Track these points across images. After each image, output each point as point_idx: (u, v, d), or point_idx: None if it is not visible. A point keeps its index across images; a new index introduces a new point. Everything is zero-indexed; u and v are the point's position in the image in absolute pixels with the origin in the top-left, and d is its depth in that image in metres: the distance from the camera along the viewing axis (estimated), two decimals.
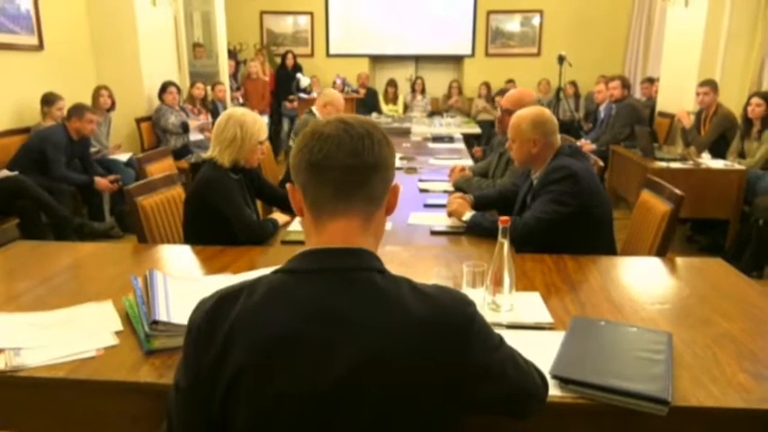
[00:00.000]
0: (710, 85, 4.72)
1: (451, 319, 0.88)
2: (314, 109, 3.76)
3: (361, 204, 0.93)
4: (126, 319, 1.43)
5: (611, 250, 2.19)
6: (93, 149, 4.72)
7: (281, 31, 9.24)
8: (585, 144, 5.66)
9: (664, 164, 4.17)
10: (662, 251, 2.14)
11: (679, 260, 1.96)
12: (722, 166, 4.20)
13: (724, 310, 1.52)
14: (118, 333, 1.37)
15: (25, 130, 4.45)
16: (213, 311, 0.89)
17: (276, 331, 0.85)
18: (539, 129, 2.19)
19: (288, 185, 0.98)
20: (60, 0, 4.98)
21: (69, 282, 1.73)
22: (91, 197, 4.48)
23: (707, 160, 4.35)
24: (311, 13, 9.11)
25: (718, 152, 4.56)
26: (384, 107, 8.49)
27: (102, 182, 4.33)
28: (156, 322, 1.29)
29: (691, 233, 4.61)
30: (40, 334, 1.35)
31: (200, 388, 0.88)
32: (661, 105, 6.15)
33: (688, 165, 4.21)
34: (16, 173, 3.72)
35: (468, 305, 0.91)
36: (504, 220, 1.47)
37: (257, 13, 9.07)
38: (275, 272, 0.92)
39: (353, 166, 0.90)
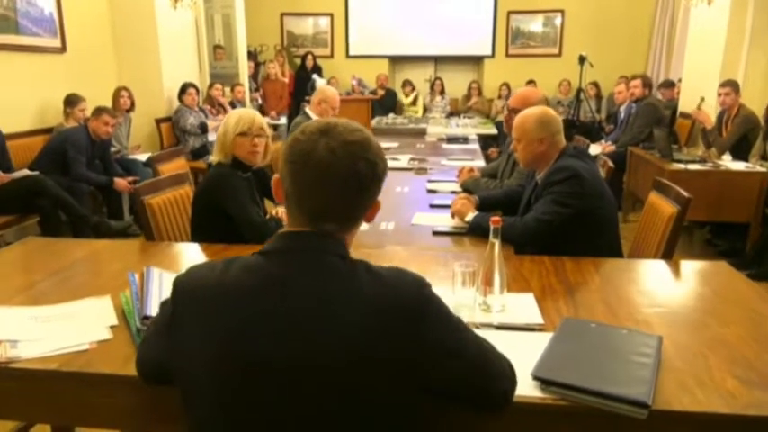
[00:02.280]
0: (732, 85, 4.62)
1: (405, 298, 0.91)
2: (307, 110, 3.69)
3: (335, 225, 0.98)
4: (122, 314, 1.46)
5: (616, 252, 2.16)
6: (112, 149, 4.82)
7: (302, 33, 9.32)
8: (606, 146, 5.59)
9: (681, 165, 4.09)
10: (668, 254, 2.10)
11: (683, 263, 1.92)
12: (743, 168, 4.11)
13: (723, 314, 1.49)
14: (112, 328, 1.40)
15: (47, 131, 4.57)
16: (194, 278, 0.97)
17: (243, 304, 0.91)
18: (545, 127, 2.18)
19: (275, 177, 1.02)
20: (83, 3, 5.10)
21: (74, 277, 1.77)
22: (110, 197, 4.57)
23: (727, 162, 4.26)
24: (331, 15, 9.17)
25: (740, 154, 4.46)
26: (407, 109, 8.53)
27: (121, 182, 4.42)
28: (146, 317, 1.32)
29: (710, 236, 4.51)
30: (38, 327, 1.39)
31: (165, 341, 0.98)
32: (683, 106, 6.04)
33: (707, 167, 4.12)
34: (36, 172, 3.82)
35: (422, 286, 0.94)
36: (495, 221, 1.47)
37: (278, 15, 9.16)
38: (252, 253, 0.98)
39: (333, 205, 0.95)
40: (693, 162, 4.18)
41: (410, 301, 0.91)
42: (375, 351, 0.88)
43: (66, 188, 3.92)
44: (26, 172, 3.76)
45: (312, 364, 0.87)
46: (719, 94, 4.67)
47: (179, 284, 0.98)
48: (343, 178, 0.93)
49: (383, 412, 0.92)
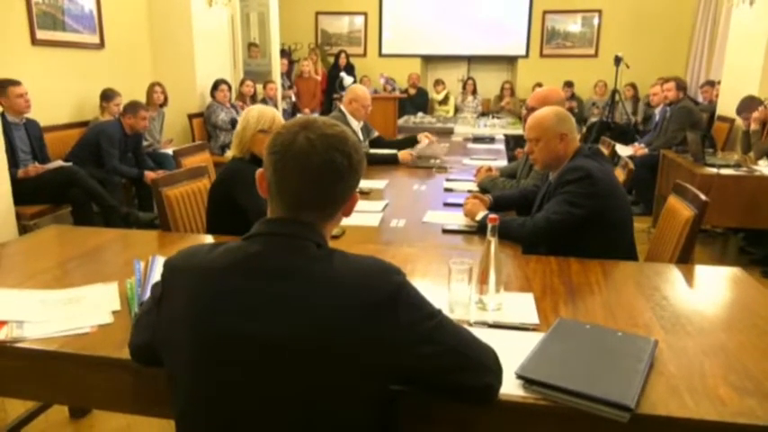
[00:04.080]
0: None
1: (378, 283, 0.94)
2: (342, 107, 3.78)
3: (313, 214, 1.01)
4: (126, 300, 1.51)
5: (629, 255, 2.11)
6: (145, 143, 4.95)
7: (336, 32, 9.39)
8: (638, 148, 5.46)
9: (713, 170, 3.96)
10: (684, 258, 2.05)
11: (697, 268, 1.87)
12: None
13: (728, 320, 1.45)
14: (115, 313, 1.44)
15: (84, 124, 4.73)
16: (182, 259, 1.03)
17: (218, 280, 0.96)
18: (564, 123, 2.15)
19: (258, 171, 1.05)
20: (121, 1, 5.26)
21: (86, 264, 1.83)
22: (142, 189, 4.70)
23: (762, 167, 4.10)
24: (365, 14, 9.21)
25: None
26: (438, 108, 8.51)
27: (151, 175, 4.52)
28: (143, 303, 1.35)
29: (744, 244, 4.36)
30: (45, 310, 1.44)
31: (154, 319, 1.03)
32: (721, 109, 5.84)
33: (740, 171, 3.98)
34: (70, 163, 3.96)
35: (395, 273, 0.96)
36: (492, 219, 1.46)
37: (312, 14, 9.25)
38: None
39: (310, 194, 0.99)
40: (727, 166, 4.05)
41: (383, 285, 0.94)
42: (345, 333, 0.90)
43: (100, 180, 4.05)
44: (60, 163, 3.90)
45: (281, 342, 0.90)
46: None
47: (168, 264, 1.04)
48: (320, 167, 0.97)
49: (353, 398, 0.93)
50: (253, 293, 0.93)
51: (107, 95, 4.73)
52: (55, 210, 3.88)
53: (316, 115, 1.06)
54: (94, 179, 3.98)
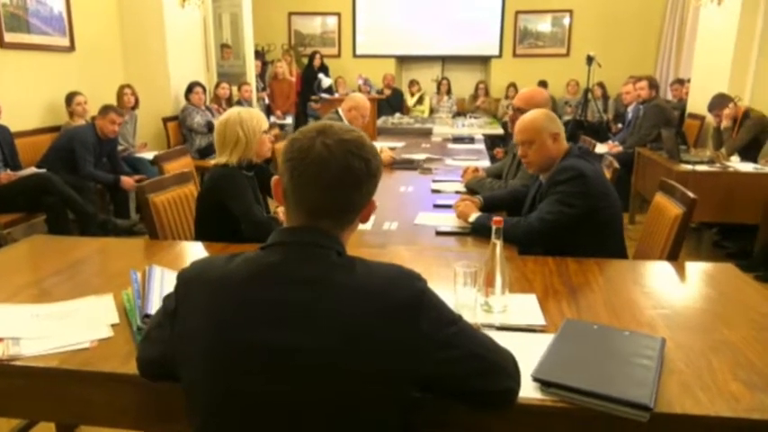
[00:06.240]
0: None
1: (400, 290, 0.93)
2: (340, 111, 3.81)
3: (331, 221, 1.00)
4: (124, 312, 1.46)
5: (620, 253, 2.14)
6: (119, 147, 4.84)
7: (309, 32, 9.33)
8: (613, 146, 5.56)
9: (689, 166, 4.06)
10: (673, 255, 2.09)
11: (689, 264, 1.91)
12: (751, 170, 4.07)
13: (727, 316, 1.47)
14: (114, 326, 1.40)
15: (55, 129, 4.60)
16: (198, 271, 1.01)
17: (238, 291, 0.94)
18: (555, 123, 2.18)
19: (274, 178, 1.05)
20: (91, 2, 5.13)
21: (76, 275, 1.77)
22: (117, 195, 4.59)
23: (735, 163, 4.22)
24: (338, 14, 9.17)
25: (750, 156, 4.41)
26: (414, 109, 8.53)
27: (127, 181, 4.43)
28: (147, 316, 1.32)
29: (718, 238, 4.48)
30: (40, 325, 1.39)
31: (166, 333, 1.00)
32: (691, 107, 6.00)
33: (715, 168, 4.09)
34: (44, 170, 3.84)
35: (416, 280, 0.96)
36: (497, 221, 1.46)
37: (285, 14, 9.18)
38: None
39: (328, 200, 0.98)
40: (701, 163, 4.15)
41: (405, 292, 0.93)
42: (367, 340, 0.90)
43: (74, 186, 3.94)
44: (33, 170, 3.78)
45: (303, 350, 0.89)
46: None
47: (182, 277, 1.02)
48: (338, 173, 0.96)
49: (375, 404, 0.92)
50: (274, 303, 0.92)
51: (68, 98, 4.61)
52: (29, 218, 3.77)
53: (331, 121, 1.04)
54: (69, 186, 3.87)
